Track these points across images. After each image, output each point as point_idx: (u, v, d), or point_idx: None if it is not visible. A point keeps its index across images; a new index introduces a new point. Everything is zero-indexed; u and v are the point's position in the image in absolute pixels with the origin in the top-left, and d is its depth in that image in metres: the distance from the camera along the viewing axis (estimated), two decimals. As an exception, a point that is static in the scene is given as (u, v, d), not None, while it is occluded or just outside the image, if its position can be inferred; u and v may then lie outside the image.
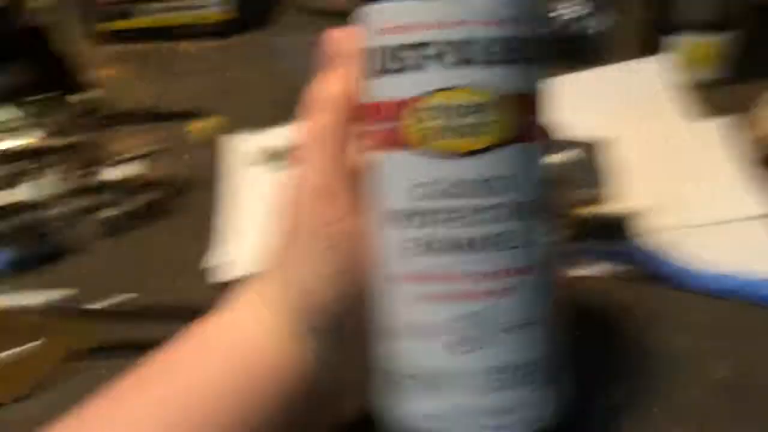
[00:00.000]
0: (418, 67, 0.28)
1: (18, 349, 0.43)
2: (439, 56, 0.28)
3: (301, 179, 0.31)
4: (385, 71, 0.29)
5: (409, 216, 0.29)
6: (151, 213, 0.57)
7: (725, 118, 0.60)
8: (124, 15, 0.82)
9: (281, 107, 0.69)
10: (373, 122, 0.29)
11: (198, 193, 0.60)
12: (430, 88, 0.28)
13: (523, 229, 0.29)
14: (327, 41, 0.32)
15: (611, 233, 0.49)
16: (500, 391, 0.29)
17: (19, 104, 0.68)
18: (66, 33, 0.71)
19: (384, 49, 0.28)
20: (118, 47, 0.83)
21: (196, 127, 0.68)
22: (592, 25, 0.70)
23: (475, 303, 0.29)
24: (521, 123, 0.29)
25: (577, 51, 0.71)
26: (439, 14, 0.27)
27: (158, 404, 0.31)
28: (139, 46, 0.83)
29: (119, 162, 0.63)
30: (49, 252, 0.53)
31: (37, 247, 0.53)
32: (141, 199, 0.57)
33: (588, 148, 0.56)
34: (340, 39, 0.31)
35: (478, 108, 0.28)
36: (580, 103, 0.63)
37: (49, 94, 0.68)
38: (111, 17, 0.81)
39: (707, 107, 0.62)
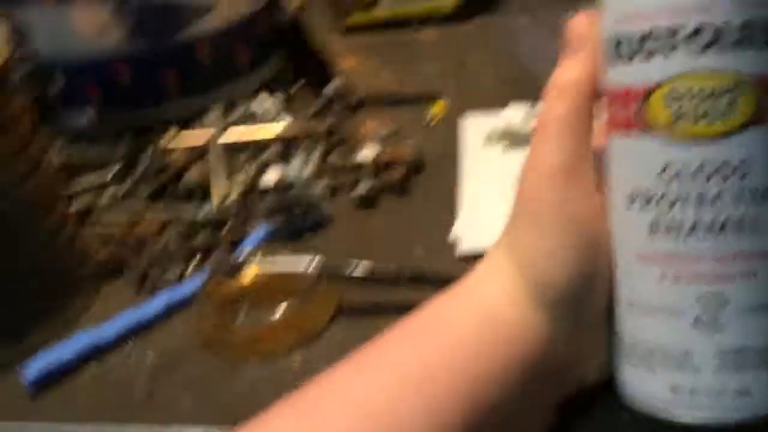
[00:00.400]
0: (669, 51, 0.29)
1: (294, 306, 0.50)
2: (690, 40, 0.28)
3: (542, 159, 0.32)
4: (633, 56, 0.29)
5: (659, 198, 0.30)
6: (397, 189, 0.62)
7: None
8: (368, 7, 0.88)
9: (513, 88, 0.73)
10: (619, 106, 0.31)
11: (439, 171, 0.64)
12: (681, 72, 0.29)
13: (763, 212, 0.29)
14: (568, 26, 0.33)
15: None
16: (740, 371, 0.30)
17: (280, 92, 0.77)
18: (317, 27, 0.79)
19: (633, 34, 0.29)
20: (363, 38, 0.90)
21: (435, 109, 0.72)
22: None
23: (722, 285, 0.29)
24: (766, 104, 0.29)
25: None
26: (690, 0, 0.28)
27: (414, 363, 0.33)
28: (381, 36, 0.89)
29: (367, 143, 0.69)
30: (312, 224, 0.60)
31: (302, 220, 0.60)
32: (388, 177, 0.63)
33: None
34: (582, 24, 0.32)
35: (727, 91, 0.28)
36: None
37: (304, 84, 0.76)
38: (356, 10, 0.88)
39: None
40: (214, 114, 0.68)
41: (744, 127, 0.29)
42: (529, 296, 0.33)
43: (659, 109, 0.29)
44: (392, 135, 0.70)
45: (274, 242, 0.58)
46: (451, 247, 0.55)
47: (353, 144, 0.68)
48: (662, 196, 0.30)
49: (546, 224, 0.32)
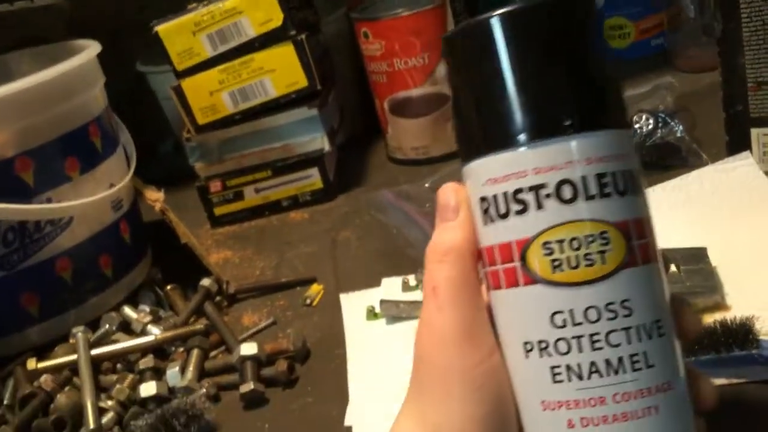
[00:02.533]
0: (536, 207, 0.30)
1: None
2: (553, 196, 0.30)
3: (439, 325, 0.32)
4: (506, 214, 0.31)
5: (554, 344, 0.30)
6: (284, 382, 0.60)
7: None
8: (237, 198, 0.88)
9: (387, 261, 0.74)
10: (499, 262, 0.32)
11: (324, 356, 0.62)
12: (551, 225, 0.30)
13: (658, 346, 0.31)
14: (438, 196, 0.35)
15: (739, 339, 0.48)
16: None
17: (149, 297, 0.74)
18: (187, 224, 0.78)
19: (504, 195, 0.31)
20: (233, 228, 0.89)
21: (312, 292, 0.71)
22: (672, 132, 0.72)
23: (625, 424, 0.30)
24: (639, 246, 0.31)
25: (663, 158, 0.73)
26: (552, 158, 0.30)
27: None
28: (254, 223, 0.89)
29: (248, 337, 0.67)
30: (198, 434, 0.56)
31: (186, 432, 0.56)
32: (272, 371, 0.60)
33: (700, 255, 0.56)
34: (450, 191, 0.34)
35: (597, 237, 0.30)
36: (679, 210, 0.64)
37: (174, 285, 0.74)
38: (226, 201, 0.89)
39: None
40: (80, 333, 0.65)
41: (620, 268, 0.30)
42: None
43: (538, 260, 0.31)
44: (272, 325, 0.69)
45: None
46: (350, 435, 0.53)
47: (233, 342, 0.65)
48: (556, 342, 0.30)
49: (451, 397, 0.32)
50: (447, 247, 0.33)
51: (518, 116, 0.31)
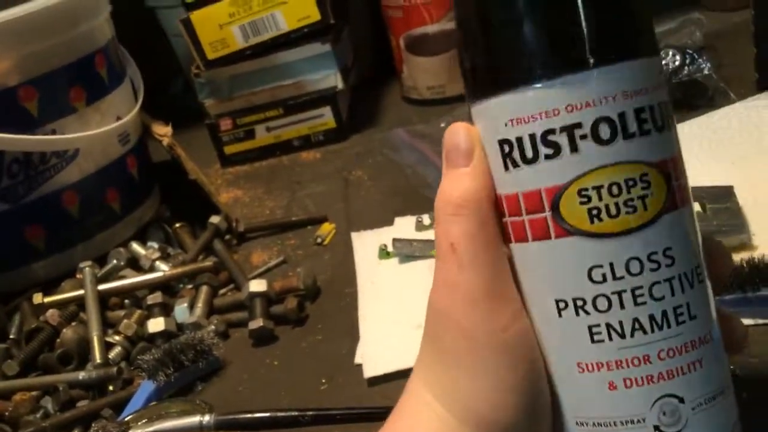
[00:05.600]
0: (571, 150, 0.27)
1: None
2: (590, 136, 0.27)
3: (461, 286, 0.29)
4: (534, 159, 0.28)
5: (593, 301, 0.28)
6: (294, 320, 0.59)
7: None
8: (247, 136, 0.86)
9: (399, 201, 0.72)
10: (525, 212, 0.28)
11: (334, 295, 0.61)
12: (588, 169, 0.27)
13: (698, 294, 0.28)
14: (446, 139, 0.31)
15: (766, 278, 0.46)
16: None
17: (158, 234, 0.73)
18: (197, 162, 0.76)
19: (531, 137, 0.28)
20: (244, 167, 0.88)
21: (324, 231, 0.70)
22: (699, 70, 0.69)
23: (671, 382, 0.28)
24: (677, 187, 0.28)
25: (689, 97, 0.70)
26: (587, 93, 0.27)
27: None
28: (262, 164, 0.87)
29: (258, 275, 0.65)
30: (205, 371, 0.55)
31: (193, 369, 0.55)
32: (282, 309, 0.59)
33: (727, 193, 0.53)
34: (460, 134, 0.30)
35: (638, 180, 0.27)
36: (705, 148, 0.62)
37: (184, 223, 0.72)
38: (236, 140, 0.87)
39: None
40: (87, 267, 0.63)
41: (661, 213, 0.28)
42: None
43: (573, 210, 0.27)
44: (282, 264, 0.67)
45: (164, 399, 0.53)
46: (358, 373, 0.51)
47: (242, 279, 0.64)
48: (595, 299, 0.28)
49: (480, 363, 0.29)
50: (462, 198, 0.29)
51: (550, 46, 0.27)
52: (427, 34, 0.86)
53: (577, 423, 0.29)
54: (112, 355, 0.58)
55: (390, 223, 0.67)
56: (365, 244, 0.65)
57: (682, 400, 0.28)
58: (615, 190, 0.27)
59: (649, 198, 0.27)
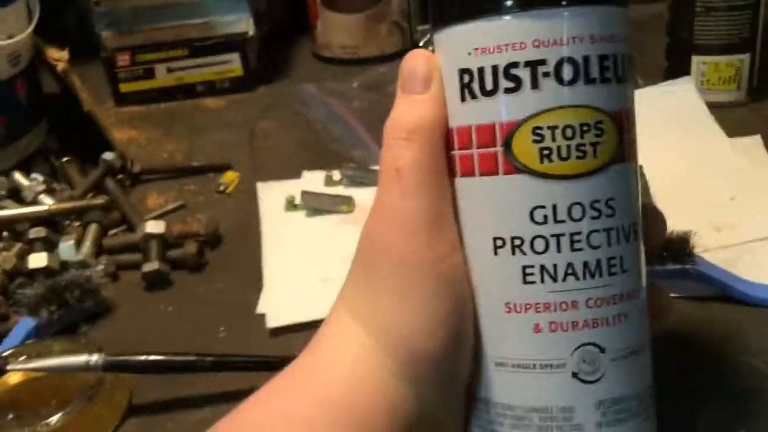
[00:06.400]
0: (531, 86, 0.27)
1: (75, 410, 0.41)
2: (553, 75, 0.26)
3: (403, 211, 0.29)
4: (493, 91, 0.27)
5: (530, 242, 0.27)
6: (191, 266, 0.55)
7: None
8: (147, 75, 0.81)
9: (307, 155, 0.69)
10: (475, 145, 0.28)
11: (237, 244, 0.58)
12: (546, 108, 0.27)
13: (632, 250, 0.28)
14: (404, 64, 0.30)
15: (674, 254, 0.47)
16: (622, 423, 0.28)
17: (45, 166, 0.67)
18: (91, 95, 0.71)
19: (493, 68, 0.27)
20: (141, 108, 0.82)
21: (227, 179, 0.67)
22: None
23: (598, 331, 0.27)
24: (627, 140, 0.28)
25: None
26: (557, 30, 0.26)
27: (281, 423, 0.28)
28: (161, 106, 0.82)
29: (154, 218, 0.61)
30: (90, 312, 0.51)
31: (77, 308, 0.51)
32: (179, 253, 0.56)
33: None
34: (419, 60, 0.29)
35: (593, 126, 0.27)
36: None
37: (73, 157, 0.67)
38: (134, 78, 0.81)
39: (732, 127, 0.62)
40: (-37, 193, 0.58)
41: (610, 163, 0.27)
42: (393, 371, 0.29)
43: (525, 148, 0.27)
44: (180, 208, 0.64)
45: (45, 338, 0.48)
46: (260, 322, 0.49)
47: (137, 220, 0.60)
48: (533, 239, 0.27)
49: (413, 291, 0.28)
50: (414, 125, 0.29)
51: None
52: (346, -11, 0.84)
53: (496, 364, 0.29)
54: (-15, 290, 0.53)
55: (298, 176, 0.65)
56: (271, 194, 0.62)
57: (603, 350, 0.28)
58: (569, 132, 0.27)
59: (601, 146, 0.27)
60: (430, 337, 0.28)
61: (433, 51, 0.30)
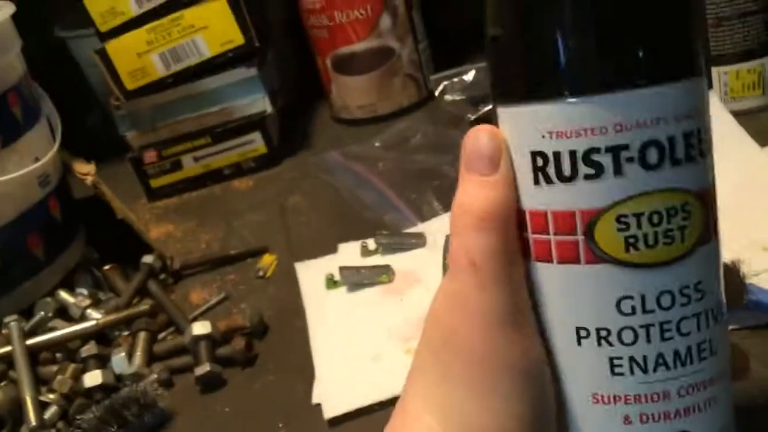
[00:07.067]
0: (615, 171, 0.25)
1: None
2: (637, 159, 0.25)
3: (482, 306, 0.27)
4: (571, 178, 0.25)
5: (618, 333, 0.26)
6: (242, 361, 0.56)
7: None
8: (174, 168, 0.83)
9: (340, 226, 0.70)
10: (552, 231, 0.26)
11: (284, 330, 0.58)
12: (631, 194, 0.25)
13: (720, 330, 0.27)
14: (466, 143, 0.28)
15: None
16: None
17: (86, 280, 0.68)
18: (121, 199, 0.72)
19: (572, 154, 0.25)
20: (173, 200, 0.84)
21: (265, 263, 0.67)
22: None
23: (687, 418, 0.27)
24: (712, 217, 0.27)
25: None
26: (641, 113, 0.25)
27: None
28: (193, 196, 0.84)
29: (199, 315, 0.62)
30: (151, 425, 0.52)
31: (138, 425, 0.51)
32: (229, 350, 0.56)
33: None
34: (485, 139, 0.28)
35: (680, 210, 0.25)
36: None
37: (114, 265, 0.68)
38: (163, 172, 0.83)
39: (764, 135, 0.60)
40: (13, 322, 0.59)
41: (696, 246, 0.26)
42: None
43: (610, 236, 0.26)
44: (224, 300, 0.64)
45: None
46: (317, 413, 0.49)
47: (183, 321, 0.60)
48: (620, 331, 0.26)
49: (494, 392, 0.27)
50: (485, 211, 0.27)
51: (609, 57, 0.25)
52: (354, 52, 0.84)
53: None
54: (47, 415, 0.53)
55: (333, 250, 0.65)
56: (311, 274, 0.62)
57: None
58: (656, 218, 0.25)
59: (688, 229, 0.26)
60: None
61: (496, 124, 0.28)
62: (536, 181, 0.26)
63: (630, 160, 0.25)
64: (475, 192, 0.27)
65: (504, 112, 0.27)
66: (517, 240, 0.27)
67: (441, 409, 0.28)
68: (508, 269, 0.27)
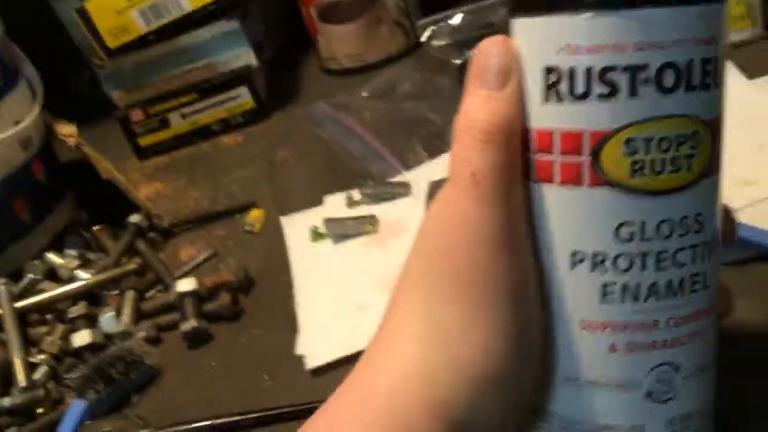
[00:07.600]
0: (628, 93, 0.24)
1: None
2: (653, 81, 0.24)
3: (480, 222, 0.26)
4: (584, 96, 0.25)
5: (613, 259, 0.26)
6: (229, 316, 0.56)
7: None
8: (162, 126, 0.82)
9: (327, 177, 0.69)
10: (557, 151, 0.26)
11: (270, 284, 0.58)
12: (643, 117, 0.24)
13: (713, 264, 0.27)
14: (479, 53, 0.27)
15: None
16: None
17: (77, 239, 0.68)
18: (112, 159, 0.72)
19: (587, 71, 0.24)
20: (162, 158, 0.83)
21: (253, 218, 0.66)
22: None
23: (672, 350, 0.26)
24: (718, 150, 0.26)
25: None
26: (662, 32, 0.24)
27: None
28: (182, 153, 0.83)
29: (186, 272, 0.62)
30: (139, 382, 0.52)
31: (126, 381, 0.51)
32: (215, 306, 0.56)
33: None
34: (499, 50, 0.26)
35: (690, 137, 0.25)
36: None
37: (102, 225, 0.68)
38: (150, 131, 0.82)
39: (751, 68, 0.58)
40: (1, 285, 0.59)
41: (701, 177, 0.25)
42: (452, 388, 0.27)
43: (616, 159, 0.25)
44: (212, 257, 0.64)
45: (98, 417, 0.49)
46: (302, 364, 0.49)
47: (169, 279, 0.60)
48: (617, 257, 0.26)
49: (480, 306, 0.26)
50: (491, 125, 0.26)
51: None
52: (340, 0, 0.83)
53: (566, 378, 0.27)
54: (37, 375, 0.54)
55: (320, 202, 0.64)
56: (296, 227, 0.62)
57: (677, 370, 0.27)
58: (665, 144, 0.25)
59: (695, 158, 0.25)
60: (494, 355, 0.26)
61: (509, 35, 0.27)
62: (546, 99, 0.26)
63: (646, 81, 0.24)
64: (482, 105, 0.26)
65: (520, 24, 0.26)
66: (518, 157, 0.27)
67: (427, 319, 0.27)
68: (508, 186, 0.26)
